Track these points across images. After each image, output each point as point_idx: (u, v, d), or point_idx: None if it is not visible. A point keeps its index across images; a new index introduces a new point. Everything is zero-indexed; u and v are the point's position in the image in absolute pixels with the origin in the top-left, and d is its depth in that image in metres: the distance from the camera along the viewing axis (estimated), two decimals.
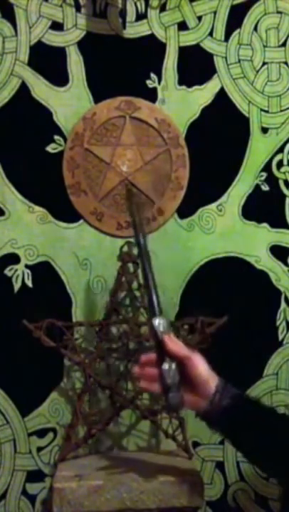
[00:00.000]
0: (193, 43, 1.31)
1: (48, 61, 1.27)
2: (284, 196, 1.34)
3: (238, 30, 1.32)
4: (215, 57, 1.32)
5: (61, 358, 1.23)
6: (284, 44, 1.34)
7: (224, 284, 1.31)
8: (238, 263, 1.32)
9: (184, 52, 1.30)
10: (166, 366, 0.87)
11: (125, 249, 1.23)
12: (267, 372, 1.33)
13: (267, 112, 1.33)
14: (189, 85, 1.31)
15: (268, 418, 0.90)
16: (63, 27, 1.27)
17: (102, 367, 1.24)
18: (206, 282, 1.30)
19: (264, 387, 1.32)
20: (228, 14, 1.31)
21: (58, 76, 1.27)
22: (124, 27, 1.26)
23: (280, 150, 1.34)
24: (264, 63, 1.33)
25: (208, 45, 1.31)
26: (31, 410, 1.26)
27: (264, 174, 1.33)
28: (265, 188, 1.33)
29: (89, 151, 1.27)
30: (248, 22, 1.32)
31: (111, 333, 1.24)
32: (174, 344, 0.88)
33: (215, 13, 1.31)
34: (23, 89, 1.26)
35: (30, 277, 1.26)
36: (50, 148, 1.27)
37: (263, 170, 1.33)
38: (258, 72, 1.33)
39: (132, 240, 1.25)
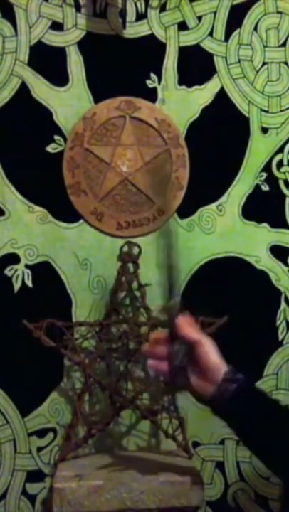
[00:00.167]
0: (193, 43, 1.31)
1: (48, 61, 1.27)
2: (284, 196, 1.34)
3: (238, 30, 1.32)
4: (215, 57, 1.32)
5: (61, 358, 1.24)
6: (284, 44, 1.34)
7: (224, 284, 1.31)
8: (238, 263, 1.32)
9: (184, 52, 1.30)
10: (176, 347, 0.87)
11: (125, 249, 1.23)
12: (267, 372, 1.33)
13: (267, 111, 1.33)
14: (189, 85, 1.31)
15: (275, 409, 0.89)
16: (63, 27, 1.27)
17: (102, 367, 1.24)
18: (206, 282, 1.30)
19: (264, 387, 1.31)
20: (228, 14, 1.31)
21: (58, 76, 1.27)
22: (124, 27, 1.27)
23: (280, 150, 1.34)
24: (264, 63, 1.33)
25: (208, 45, 1.31)
26: (31, 410, 1.26)
27: (264, 174, 1.33)
28: (265, 188, 1.33)
29: (89, 151, 1.27)
30: (248, 22, 1.32)
31: (111, 333, 1.24)
32: (187, 326, 0.88)
33: (215, 13, 1.31)
34: (23, 89, 1.26)
35: (30, 277, 1.26)
36: (50, 148, 1.27)
37: (263, 170, 1.33)
38: (258, 72, 1.33)
39: (131, 239, 1.25)
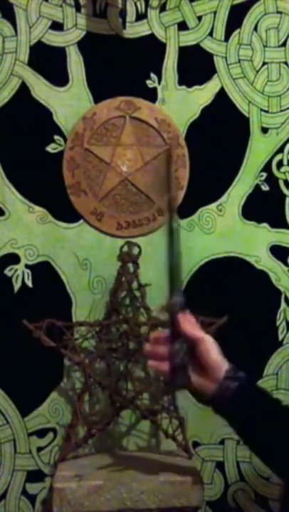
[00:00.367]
0: (193, 43, 1.31)
1: (48, 61, 1.27)
2: (284, 196, 1.34)
3: (238, 30, 1.32)
4: (215, 57, 1.32)
5: (61, 358, 1.24)
6: (284, 44, 1.34)
7: (224, 284, 1.31)
8: (238, 263, 1.32)
9: (184, 52, 1.30)
10: (177, 346, 0.86)
11: (125, 249, 1.23)
12: (267, 372, 1.33)
13: (267, 112, 1.33)
14: (189, 85, 1.31)
15: (276, 408, 0.89)
16: (63, 27, 1.27)
17: (102, 367, 1.24)
18: (206, 282, 1.29)
19: (264, 387, 1.31)
20: (228, 14, 1.32)
21: (58, 76, 1.27)
22: (124, 27, 1.27)
23: (280, 150, 1.34)
24: (264, 63, 1.33)
25: (208, 45, 1.31)
26: (31, 410, 1.26)
27: (264, 174, 1.33)
28: (265, 188, 1.33)
29: (89, 151, 1.27)
30: (248, 22, 1.32)
31: (111, 333, 1.24)
32: (188, 324, 0.87)
33: (215, 13, 1.31)
34: (23, 89, 1.26)
35: (30, 277, 1.26)
36: (50, 148, 1.27)
37: (263, 170, 1.33)
38: (258, 72, 1.33)
39: (131, 239, 1.25)
